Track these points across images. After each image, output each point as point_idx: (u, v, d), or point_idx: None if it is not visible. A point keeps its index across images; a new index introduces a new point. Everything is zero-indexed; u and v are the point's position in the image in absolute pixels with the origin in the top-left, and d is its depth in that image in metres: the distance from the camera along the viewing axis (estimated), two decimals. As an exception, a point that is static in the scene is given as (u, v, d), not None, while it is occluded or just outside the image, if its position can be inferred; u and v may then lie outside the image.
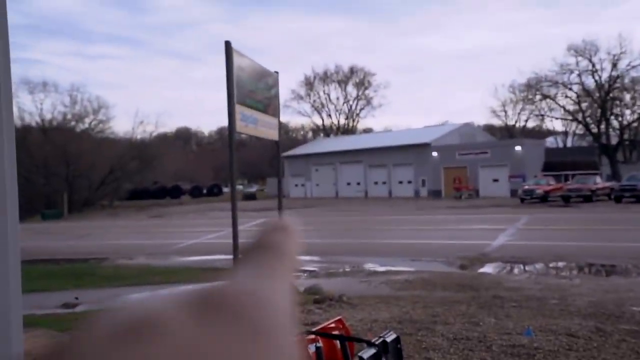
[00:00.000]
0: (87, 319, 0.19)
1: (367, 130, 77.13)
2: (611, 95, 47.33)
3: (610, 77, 47.08)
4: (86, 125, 52.87)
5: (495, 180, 43.37)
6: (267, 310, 0.21)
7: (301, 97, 75.52)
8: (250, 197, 53.57)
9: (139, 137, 51.49)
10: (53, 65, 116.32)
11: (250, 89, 5.82)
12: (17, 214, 1.18)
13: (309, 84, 75.37)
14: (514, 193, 38.26)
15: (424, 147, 47.18)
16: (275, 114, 6.72)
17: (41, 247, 16.98)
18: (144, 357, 0.17)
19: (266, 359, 0.20)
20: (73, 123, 52.12)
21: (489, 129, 66.43)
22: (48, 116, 51.63)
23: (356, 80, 74.79)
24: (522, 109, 61.26)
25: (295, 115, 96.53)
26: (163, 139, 63.63)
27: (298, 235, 0.28)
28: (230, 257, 5.22)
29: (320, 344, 3.16)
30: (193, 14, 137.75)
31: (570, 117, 52.66)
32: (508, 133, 63.61)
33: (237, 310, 0.21)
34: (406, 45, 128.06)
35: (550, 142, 57.51)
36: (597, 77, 47.71)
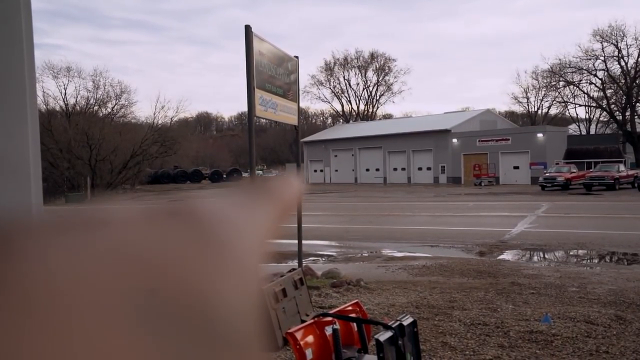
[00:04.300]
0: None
1: (387, 117, 76.70)
2: (637, 81, 46.27)
3: (636, 63, 46.01)
4: (109, 110, 53.45)
5: (516, 168, 42.90)
6: (225, 227, 0.21)
7: (321, 83, 75.29)
8: (270, 182, 53.64)
9: (160, 122, 51.80)
10: (74, 50, 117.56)
11: (270, 74, 5.83)
12: (41, 196, 1.22)
13: (329, 69, 75.06)
14: (534, 181, 37.81)
15: (444, 133, 46.79)
16: (295, 99, 6.73)
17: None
18: (83, 242, 0.18)
19: (212, 266, 0.20)
20: (96, 108, 52.71)
21: (511, 115, 65.68)
22: (72, 101, 52.31)
23: (376, 65, 74.25)
24: (545, 96, 60.39)
25: (315, 101, 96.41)
26: (184, 123, 64.00)
27: (298, 189, 0.28)
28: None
29: (337, 326, 3.20)
30: (211, 0, 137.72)
31: (594, 104, 51.70)
32: (530, 120, 62.74)
33: (192, 219, 0.21)
34: (426, 32, 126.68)
35: (573, 129, 56.63)
36: (623, 63, 46.72)
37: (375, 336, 3.01)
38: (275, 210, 0.26)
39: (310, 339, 3.17)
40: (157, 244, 0.19)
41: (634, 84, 46.20)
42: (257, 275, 0.22)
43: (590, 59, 48.02)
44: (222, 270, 0.20)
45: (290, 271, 5.79)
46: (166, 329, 0.17)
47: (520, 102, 64.25)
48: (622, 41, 46.30)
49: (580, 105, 54.33)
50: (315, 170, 57.93)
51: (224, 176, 64.87)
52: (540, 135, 42.29)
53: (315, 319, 3.32)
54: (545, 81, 55.78)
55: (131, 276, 0.17)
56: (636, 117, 46.05)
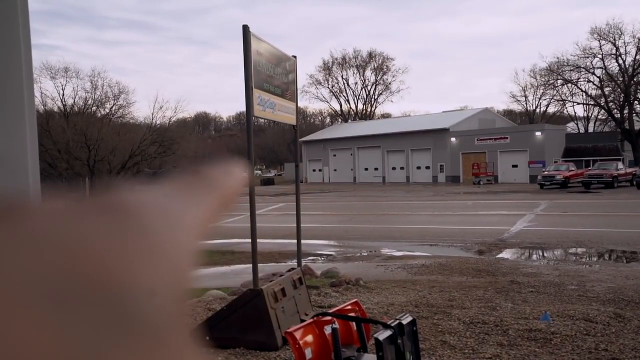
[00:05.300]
0: None
1: (386, 116, 76.70)
2: (635, 79, 46.31)
3: (634, 61, 46.04)
4: (107, 111, 53.40)
5: (515, 166, 42.93)
6: (150, 215, 0.21)
7: (319, 82, 75.23)
8: (268, 182, 53.76)
9: (158, 122, 51.74)
10: (72, 51, 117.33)
11: (268, 74, 5.83)
12: (39, 198, 1.22)
13: (327, 68, 75.00)
14: (533, 179, 37.84)
15: (443, 132, 46.80)
16: (293, 98, 6.73)
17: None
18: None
19: (133, 254, 0.19)
20: (94, 108, 52.66)
21: (509, 114, 65.70)
22: (70, 101, 52.24)
23: (374, 65, 74.22)
24: (543, 94, 60.43)
25: (314, 100, 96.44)
26: (182, 124, 63.95)
27: (238, 178, 0.28)
28: (248, 240, 5.29)
29: (336, 325, 3.21)
30: (208, 0, 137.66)
31: (592, 102, 51.76)
32: (528, 118, 62.79)
33: (118, 206, 0.21)
34: (424, 31, 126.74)
35: (571, 127, 56.67)
36: (620, 61, 46.76)
37: (375, 335, 3.01)
38: (212, 200, 0.25)
39: (309, 338, 3.17)
40: (78, 231, 0.19)
41: (632, 82, 46.24)
42: (184, 266, 0.21)
43: (588, 57, 48.13)
44: (144, 258, 0.19)
45: (289, 271, 5.80)
46: (80, 315, 0.17)
47: (519, 100, 64.39)
48: (619, 39, 46.40)
49: (578, 104, 54.41)
50: (314, 170, 57.93)
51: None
52: (538, 133, 42.32)
53: (315, 318, 3.32)
54: (543, 79, 55.94)
55: (46, 262, 0.17)
56: (634, 114, 46.12)
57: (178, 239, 0.22)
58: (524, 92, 63.95)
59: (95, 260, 0.18)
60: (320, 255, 11.49)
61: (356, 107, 76.08)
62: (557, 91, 54.14)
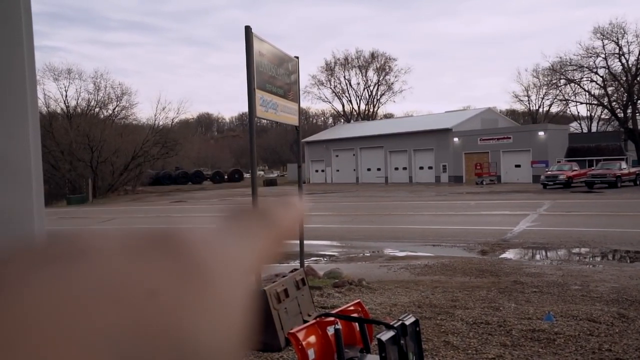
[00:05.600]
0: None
1: (388, 116, 76.66)
2: (638, 79, 46.21)
3: (637, 60, 45.93)
4: (110, 112, 53.50)
5: (518, 166, 42.86)
6: (205, 254, 0.20)
7: (322, 83, 75.28)
8: (271, 182, 53.78)
9: (161, 123, 51.85)
10: (74, 52, 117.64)
11: (270, 75, 5.83)
12: (42, 199, 1.22)
13: (329, 69, 75.03)
14: (536, 179, 37.77)
15: (445, 132, 46.76)
16: (296, 99, 6.73)
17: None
18: (63, 273, 0.17)
19: (195, 302, 0.19)
20: (97, 109, 52.77)
21: (512, 114, 65.62)
22: (72, 103, 52.35)
23: (377, 65, 74.23)
24: (546, 94, 60.35)
25: (316, 101, 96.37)
26: (185, 124, 64.06)
27: (300, 213, 0.27)
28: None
29: (339, 326, 3.20)
30: (210, 1, 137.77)
31: (595, 102, 51.64)
32: (531, 118, 62.70)
33: (175, 248, 0.20)
34: (426, 31, 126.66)
35: (574, 127, 56.55)
36: (624, 61, 46.63)
37: (377, 336, 3.00)
38: (272, 236, 0.24)
39: (312, 339, 3.17)
40: (137, 278, 0.18)
41: (635, 82, 46.12)
42: (242, 308, 0.21)
43: (591, 57, 48.01)
44: (205, 306, 0.19)
45: (292, 271, 5.79)
46: None
47: (521, 100, 64.32)
48: (622, 38, 46.27)
49: (581, 103, 54.29)
50: (317, 171, 57.93)
51: (225, 177, 64.91)
52: (541, 133, 42.24)
53: (318, 319, 3.31)
54: (546, 79, 55.80)
55: (110, 313, 0.17)
56: (637, 114, 45.97)
57: (239, 284, 0.21)
58: (527, 92, 63.79)
59: (162, 312, 0.18)
60: (323, 255, 11.49)
61: (358, 107, 76.12)
62: (560, 91, 54.07)
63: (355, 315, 3.53)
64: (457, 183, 44.28)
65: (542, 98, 62.28)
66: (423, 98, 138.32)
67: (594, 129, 55.33)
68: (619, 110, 47.57)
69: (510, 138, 43.54)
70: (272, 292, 5.02)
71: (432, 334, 5.18)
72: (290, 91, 6.48)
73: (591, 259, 10.44)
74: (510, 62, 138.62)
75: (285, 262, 10.19)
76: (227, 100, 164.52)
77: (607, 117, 52.00)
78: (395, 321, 3.16)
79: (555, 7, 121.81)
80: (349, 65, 74.65)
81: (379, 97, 75.97)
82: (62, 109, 51.19)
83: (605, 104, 49.01)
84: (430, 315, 5.88)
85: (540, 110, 63.67)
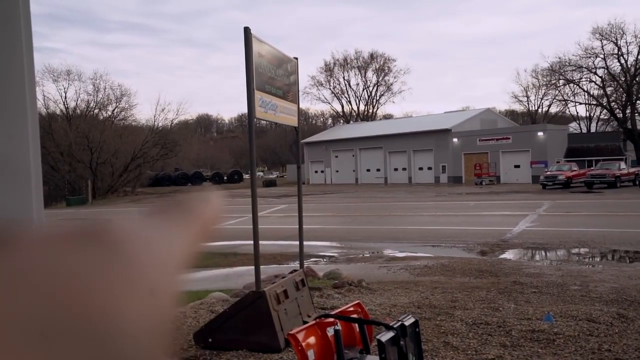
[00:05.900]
0: None
1: (387, 117, 76.66)
2: (637, 79, 46.25)
3: (636, 60, 45.99)
4: (109, 113, 53.47)
5: (517, 167, 42.88)
6: (135, 244, 0.21)
7: (321, 84, 75.25)
8: (271, 183, 53.78)
9: (160, 124, 51.81)
10: (73, 54, 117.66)
11: (269, 76, 5.83)
12: (41, 200, 1.22)
13: (328, 70, 75.02)
14: (535, 179, 37.79)
15: (445, 133, 46.78)
16: (295, 100, 6.72)
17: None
18: None
19: (118, 285, 0.19)
20: (96, 111, 52.73)
21: (511, 114, 65.66)
22: (72, 104, 52.32)
23: (376, 66, 74.22)
24: (545, 94, 60.40)
25: (315, 102, 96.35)
26: (184, 126, 64.02)
27: (217, 207, 0.28)
28: (250, 242, 5.29)
29: (338, 327, 3.20)
30: (209, 2, 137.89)
31: (594, 102, 51.70)
32: (530, 119, 62.73)
33: (103, 237, 0.21)
34: (425, 31, 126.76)
35: (573, 127, 56.58)
36: (623, 61, 46.70)
37: (377, 337, 3.00)
38: (194, 228, 0.26)
39: (312, 340, 3.17)
40: (62, 263, 0.19)
41: (634, 82, 46.17)
42: (168, 294, 0.21)
43: (590, 57, 48.06)
44: (129, 289, 0.19)
45: (291, 272, 5.79)
46: (64, 350, 0.17)
47: (521, 100, 64.34)
48: (621, 39, 46.33)
49: (580, 104, 54.36)
50: (316, 171, 57.94)
51: (225, 178, 64.88)
52: (540, 133, 42.27)
53: (317, 320, 3.31)
54: (545, 79, 55.87)
55: (29, 295, 0.17)
56: (637, 114, 46.02)
57: (164, 271, 0.22)
58: (526, 93, 63.84)
59: (84, 294, 0.18)
60: (323, 256, 11.49)
61: (358, 108, 76.12)
62: (559, 91, 54.14)
63: (355, 316, 3.53)
64: (457, 183, 44.30)
65: (542, 98, 62.39)
66: (422, 98, 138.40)
67: (593, 129, 55.36)
68: (618, 110, 47.61)
69: (509, 138, 43.57)
70: (271, 293, 5.02)
71: (431, 335, 5.18)
72: (289, 92, 6.48)
73: (590, 259, 10.44)
74: (509, 62, 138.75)
75: (285, 263, 10.19)
76: (227, 101, 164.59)
77: (606, 117, 52.03)
78: (395, 322, 3.16)
79: (555, 7, 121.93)
80: (348, 66, 74.68)
81: (378, 98, 76.00)
82: (61, 110, 51.20)
83: (604, 104, 49.07)
84: (429, 315, 5.88)
85: (540, 110, 63.73)
